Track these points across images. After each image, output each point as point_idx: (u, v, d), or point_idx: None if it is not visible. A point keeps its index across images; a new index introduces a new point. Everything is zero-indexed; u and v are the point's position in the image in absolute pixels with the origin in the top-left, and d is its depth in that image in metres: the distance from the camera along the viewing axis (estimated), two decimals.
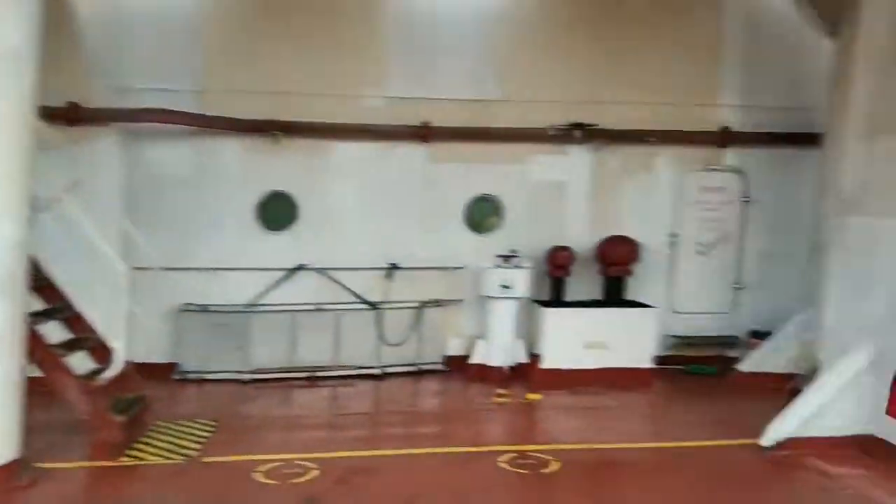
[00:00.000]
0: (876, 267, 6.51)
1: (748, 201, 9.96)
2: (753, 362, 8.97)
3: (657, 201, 9.91)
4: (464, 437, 6.95)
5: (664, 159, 9.90)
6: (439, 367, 9.52)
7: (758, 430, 6.44)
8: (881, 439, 6.18)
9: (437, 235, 9.59)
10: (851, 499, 5.42)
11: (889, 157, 6.61)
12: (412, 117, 9.32)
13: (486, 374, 9.11)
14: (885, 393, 6.17)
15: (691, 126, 9.72)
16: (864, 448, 6.25)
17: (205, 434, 6.85)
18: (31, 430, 5.65)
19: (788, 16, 9.15)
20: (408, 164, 9.51)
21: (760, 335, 9.31)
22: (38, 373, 5.94)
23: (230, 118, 8.95)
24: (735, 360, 9.35)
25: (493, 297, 9.15)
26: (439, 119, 9.35)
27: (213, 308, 9.03)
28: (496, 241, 9.53)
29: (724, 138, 9.82)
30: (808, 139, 9.37)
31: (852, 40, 7.68)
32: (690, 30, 9.73)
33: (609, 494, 5.53)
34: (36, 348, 5.86)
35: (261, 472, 5.87)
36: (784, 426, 6.37)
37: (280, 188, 9.33)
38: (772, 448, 6.30)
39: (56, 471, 5.78)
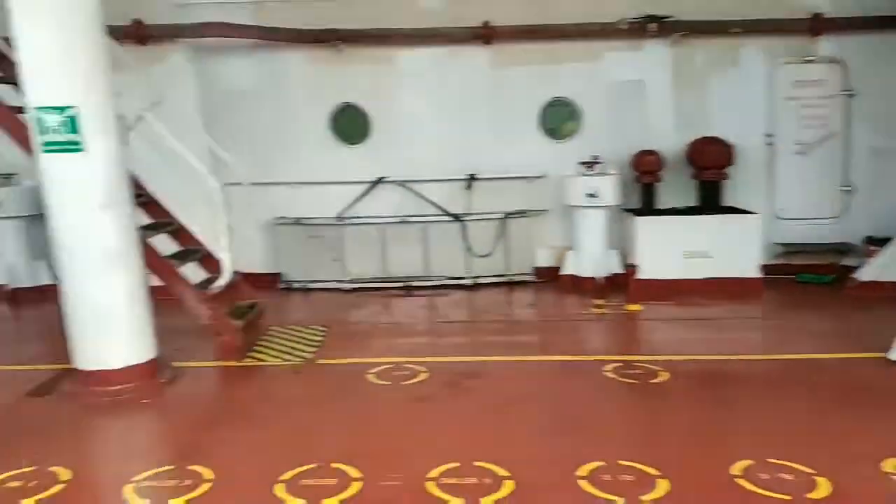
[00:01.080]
0: None
1: (852, 95, 9.16)
2: (873, 271, 8.25)
3: (747, 98, 9.17)
4: (565, 346, 6.81)
5: (750, 52, 9.12)
6: (530, 278, 9.37)
7: (884, 343, 5.95)
8: None
9: (512, 143, 9.26)
10: None
11: None
12: (472, 18, 8.89)
13: (579, 285, 8.90)
14: None
15: (778, 13, 8.88)
16: None
17: (317, 338, 7.04)
18: (158, 334, 5.82)
19: None
20: (473, 69, 9.14)
21: (878, 241, 8.59)
22: (155, 282, 6.05)
23: (291, 29, 8.74)
24: (851, 268, 8.67)
25: (579, 207, 8.84)
26: (500, 19, 8.88)
27: (305, 221, 9.13)
28: (576, 148, 9.13)
29: (817, 26, 8.94)
30: None
31: None
32: None
33: (723, 406, 5.24)
34: (151, 259, 5.95)
35: (373, 373, 5.95)
36: None
37: (350, 100, 9.16)
38: None
39: (189, 369, 6.08)
